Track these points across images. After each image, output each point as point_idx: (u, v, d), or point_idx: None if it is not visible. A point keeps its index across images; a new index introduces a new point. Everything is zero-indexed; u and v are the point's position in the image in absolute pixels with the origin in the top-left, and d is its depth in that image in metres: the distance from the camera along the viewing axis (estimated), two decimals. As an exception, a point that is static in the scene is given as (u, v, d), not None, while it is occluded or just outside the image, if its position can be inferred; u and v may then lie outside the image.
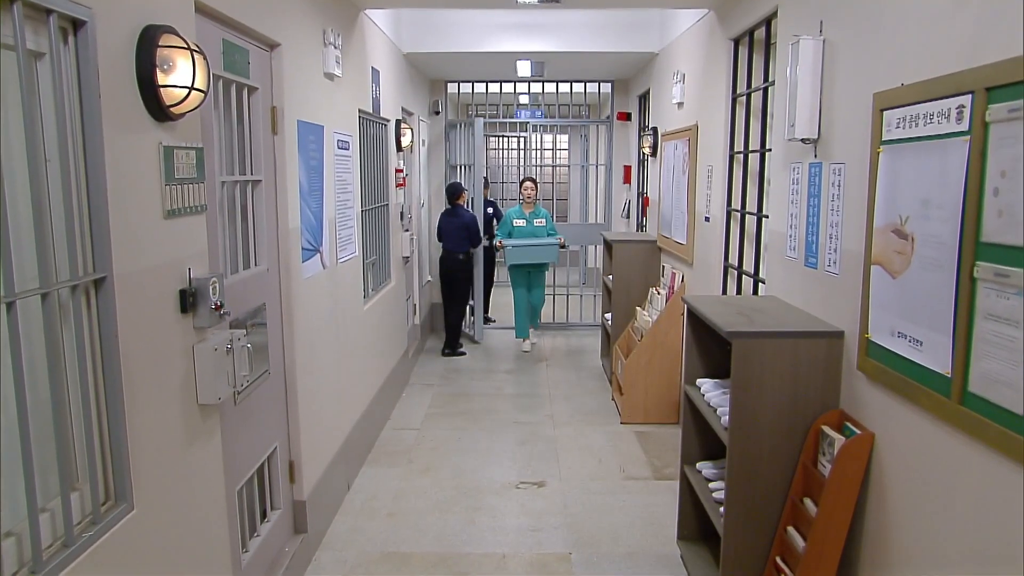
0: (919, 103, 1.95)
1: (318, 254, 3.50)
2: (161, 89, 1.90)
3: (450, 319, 6.94)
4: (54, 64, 1.59)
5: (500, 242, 6.92)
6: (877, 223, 2.19)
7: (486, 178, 7.99)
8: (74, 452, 1.70)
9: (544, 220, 6.99)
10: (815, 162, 2.72)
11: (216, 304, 2.18)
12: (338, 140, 3.85)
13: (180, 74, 1.94)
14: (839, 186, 2.52)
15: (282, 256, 3.09)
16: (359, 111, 4.37)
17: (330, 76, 3.69)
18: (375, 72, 4.84)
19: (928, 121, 1.90)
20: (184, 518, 2.10)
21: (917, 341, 1.97)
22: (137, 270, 1.86)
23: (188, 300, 2.10)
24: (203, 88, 2.01)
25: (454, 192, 6.95)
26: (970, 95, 1.72)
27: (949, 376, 1.82)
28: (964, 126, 1.75)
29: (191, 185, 2.13)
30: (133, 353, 1.84)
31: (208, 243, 2.29)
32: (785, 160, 3.05)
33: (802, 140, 2.74)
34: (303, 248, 3.28)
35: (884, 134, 2.15)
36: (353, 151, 4.18)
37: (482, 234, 7.08)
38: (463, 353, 6.96)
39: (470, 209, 7.08)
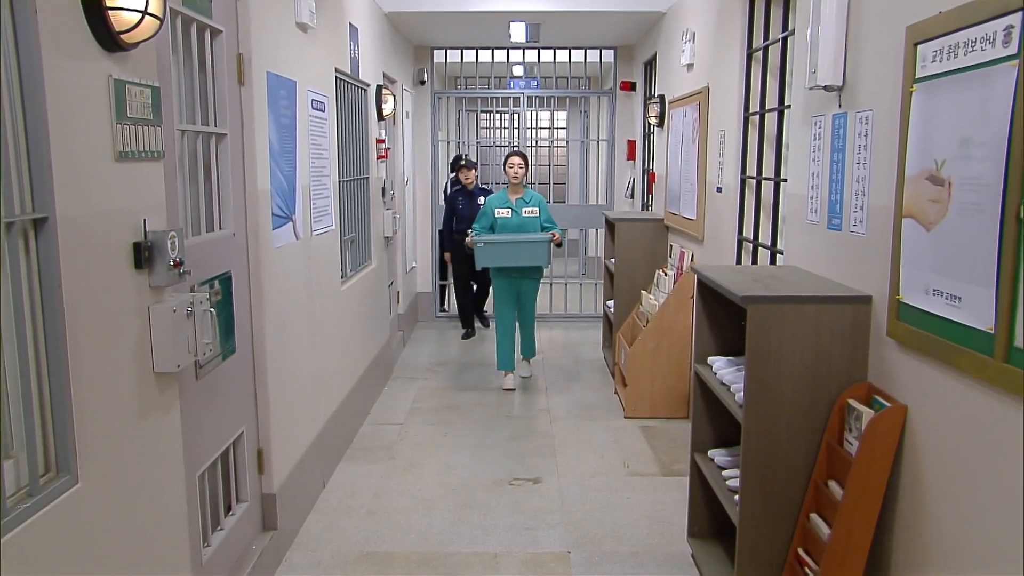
0: (959, 30, 1.90)
1: (291, 222, 3.44)
2: (109, 12, 1.84)
3: (468, 299, 7.34)
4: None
5: (470, 239, 5.36)
6: (909, 171, 2.15)
7: (464, 156, 7.56)
8: (8, 415, 1.64)
9: (537, 209, 5.52)
10: (839, 112, 2.68)
11: (175, 261, 2.11)
12: (312, 99, 3.79)
13: (131, -4, 1.87)
14: (866, 136, 2.47)
15: (250, 221, 3.02)
16: (336, 70, 4.31)
17: (303, 27, 3.63)
18: (353, 29, 4.77)
19: (970, 49, 1.86)
20: (137, 498, 2.04)
21: (955, 297, 1.93)
22: (84, 215, 1.80)
23: (143, 254, 2.03)
24: (158, 14, 1.95)
25: (469, 166, 7.09)
26: (1020, 12, 1.67)
27: (992, 332, 1.78)
28: (1012, 49, 1.70)
29: (146, 127, 2.07)
30: (80, 308, 1.78)
31: (167, 197, 2.23)
32: (805, 114, 3.00)
33: (825, 87, 2.69)
34: (274, 214, 3.22)
35: (918, 71, 2.10)
36: (329, 114, 4.12)
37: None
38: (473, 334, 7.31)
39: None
